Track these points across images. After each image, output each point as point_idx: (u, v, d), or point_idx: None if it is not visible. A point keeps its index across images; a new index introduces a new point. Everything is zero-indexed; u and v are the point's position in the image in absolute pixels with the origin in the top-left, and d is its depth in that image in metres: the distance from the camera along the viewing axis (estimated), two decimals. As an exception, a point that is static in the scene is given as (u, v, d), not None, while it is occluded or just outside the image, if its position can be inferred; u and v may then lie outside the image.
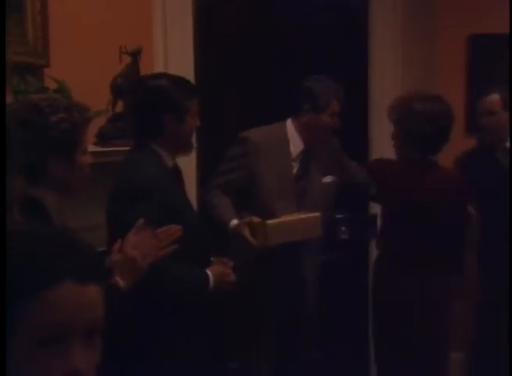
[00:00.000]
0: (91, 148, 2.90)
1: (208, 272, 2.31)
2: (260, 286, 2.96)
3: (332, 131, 2.94)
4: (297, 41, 3.86)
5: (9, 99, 2.48)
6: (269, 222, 2.72)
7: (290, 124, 2.98)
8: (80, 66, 3.02)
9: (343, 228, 3.03)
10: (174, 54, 3.56)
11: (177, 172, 2.46)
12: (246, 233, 2.74)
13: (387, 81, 3.85)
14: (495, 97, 3.24)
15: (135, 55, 3.03)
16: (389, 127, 2.99)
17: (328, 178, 3.00)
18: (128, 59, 3.03)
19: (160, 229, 2.02)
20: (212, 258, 2.44)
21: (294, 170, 2.95)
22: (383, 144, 3.88)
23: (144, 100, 2.38)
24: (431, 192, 2.84)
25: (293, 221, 2.78)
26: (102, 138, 2.93)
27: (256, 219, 2.75)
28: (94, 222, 2.51)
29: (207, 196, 2.96)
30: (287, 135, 2.95)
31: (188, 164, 3.67)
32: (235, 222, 2.81)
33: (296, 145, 2.96)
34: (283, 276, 2.94)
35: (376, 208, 3.49)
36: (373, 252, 4.05)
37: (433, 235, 2.84)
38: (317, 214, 2.82)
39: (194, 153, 3.69)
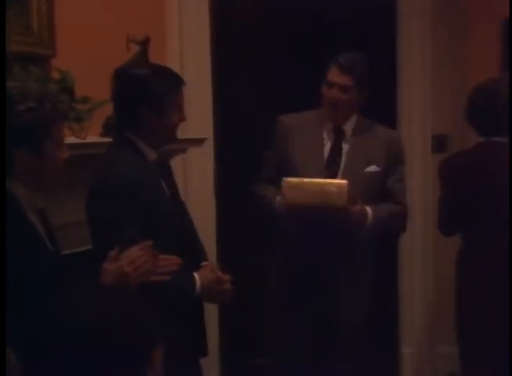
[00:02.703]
0: (98, 139, 2.86)
1: (195, 275, 2.22)
2: (293, 282, 2.88)
3: (332, 103, 2.78)
4: (322, 34, 3.71)
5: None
6: (286, 179, 2.65)
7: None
8: (88, 56, 2.96)
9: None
10: (189, 42, 3.48)
11: (162, 166, 2.37)
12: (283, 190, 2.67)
13: (416, 74, 3.80)
14: None
15: (144, 44, 2.94)
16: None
17: (371, 168, 2.84)
18: (136, 48, 2.95)
19: (162, 256, 2.02)
20: (203, 263, 2.38)
21: (325, 154, 2.85)
22: (411, 144, 3.75)
23: (122, 90, 2.30)
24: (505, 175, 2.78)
25: (313, 183, 2.66)
26: (109, 128, 2.85)
27: (287, 179, 2.67)
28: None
29: (255, 189, 2.94)
30: (322, 117, 2.87)
31: (205, 157, 3.58)
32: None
33: (327, 126, 2.87)
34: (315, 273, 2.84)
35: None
36: (402, 248, 3.91)
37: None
38: (344, 181, 2.67)
39: (211, 144, 3.62)
